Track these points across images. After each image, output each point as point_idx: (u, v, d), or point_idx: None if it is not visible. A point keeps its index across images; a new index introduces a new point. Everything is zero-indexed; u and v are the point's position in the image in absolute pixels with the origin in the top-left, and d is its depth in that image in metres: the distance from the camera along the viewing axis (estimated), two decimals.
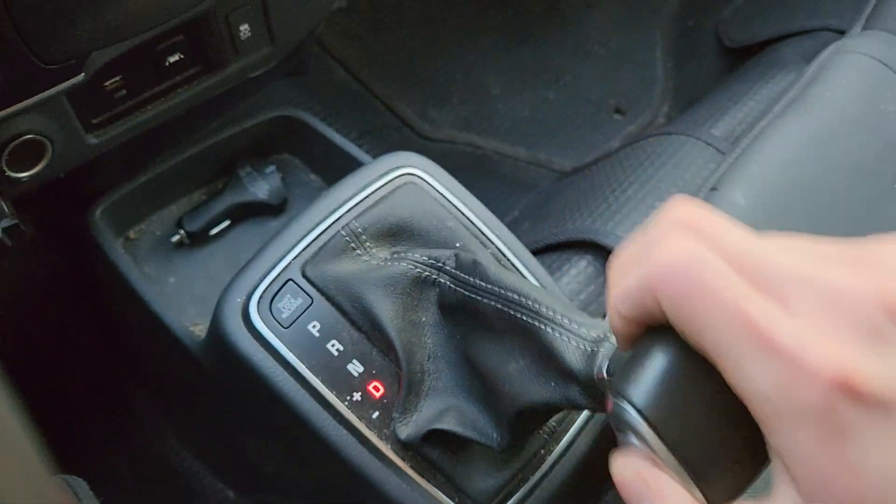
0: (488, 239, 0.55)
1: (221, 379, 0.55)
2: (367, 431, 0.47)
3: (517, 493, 0.48)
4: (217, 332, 0.50)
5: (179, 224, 0.68)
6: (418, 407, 0.47)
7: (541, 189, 1.07)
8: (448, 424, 0.45)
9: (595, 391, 0.36)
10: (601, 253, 0.69)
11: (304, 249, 0.51)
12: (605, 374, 0.34)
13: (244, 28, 0.59)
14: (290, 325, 0.49)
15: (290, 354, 0.48)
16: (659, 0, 1.33)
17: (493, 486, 0.48)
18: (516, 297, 0.41)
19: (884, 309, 0.24)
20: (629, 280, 0.28)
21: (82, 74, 0.49)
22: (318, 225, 0.52)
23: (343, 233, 0.51)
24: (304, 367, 0.48)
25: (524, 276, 0.55)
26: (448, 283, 0.47)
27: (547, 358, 0.38)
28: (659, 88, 1.25)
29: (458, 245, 0.52)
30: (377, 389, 0.48)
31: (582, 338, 0.37)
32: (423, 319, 0.49)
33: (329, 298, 0.50)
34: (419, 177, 0.56)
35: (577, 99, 1.26)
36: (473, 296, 0.44)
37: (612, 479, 0.29)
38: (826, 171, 0.61)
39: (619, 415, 0.29)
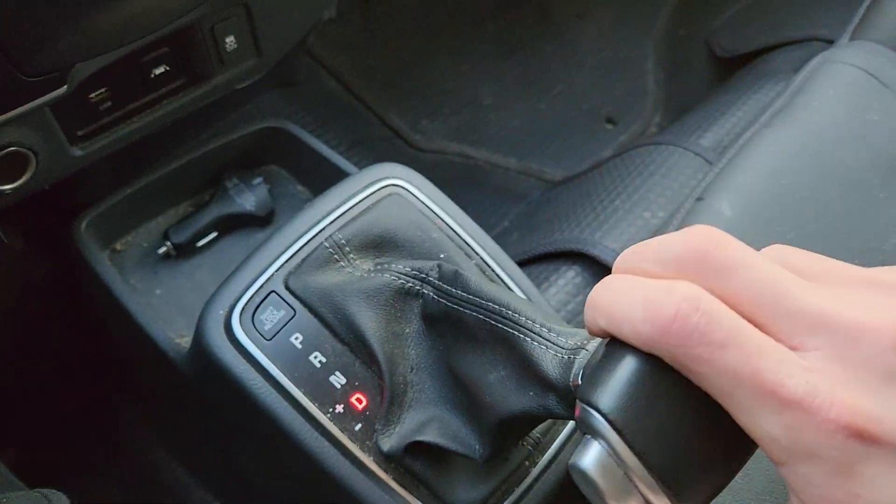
0: (473, 250, 0.55)
1: (205, 391, 0.55)
2: (350, 443, 0.47)
3: None
4: (199, 344, 0.50)
5: (166, 236, 0.67)
6: (401, 419, 0.47)
7: (531, 199, 1.07)
8: (430, 436, 0.45)
9: (572, 400, 0.36)
10: (589, 263, 0.69)
11: (287, 261, 0.51)
12: (579, 382, 0.34)
13: (230, 40, 0.59)
14: (273, 336, 0.49)
15: (273, 366, 0.48)
16: (650, 11, 1.34)
17: (476, 498, 0.47)
18: (496, 307, 0.41)
19: None
20: (626, 320, 0.27)
21: (65, 86, 0.49)
22: (301, 236, 0.52)
23: (326, 244, 0.51)
24: (286, 379, 0.48)
25: (509, 287, 0.55)
26: (431, 294, 0.47)
27: (526, 367, 0.38)
28: (650, 98, 1.25)
29: (442, 256, 0.52)
30: (360, 401, 0.48)
31: (560, 347, 0.37)
32: (407, 331, 0.48)
33: (312, 310, 0.50)
34: (403, 188, 0.55)
35: (569, 109, 1.26)
36: (455, 307, 0.44)
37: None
38: (812, 181, 0.61)
39: (585, 419, 0.28)
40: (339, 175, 0.69)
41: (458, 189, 1.10)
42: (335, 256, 0.51)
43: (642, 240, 0.30)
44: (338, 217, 0.53)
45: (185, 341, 0.62)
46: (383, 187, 0.55)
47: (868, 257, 0.59)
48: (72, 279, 0.68)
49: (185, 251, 0.68)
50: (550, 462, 0.50)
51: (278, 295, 0.50)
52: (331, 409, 0.48)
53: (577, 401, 0.30)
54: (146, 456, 0.77)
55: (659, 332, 0.26)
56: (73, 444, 0.81)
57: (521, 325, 0.39)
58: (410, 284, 0.48)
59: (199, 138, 0.72)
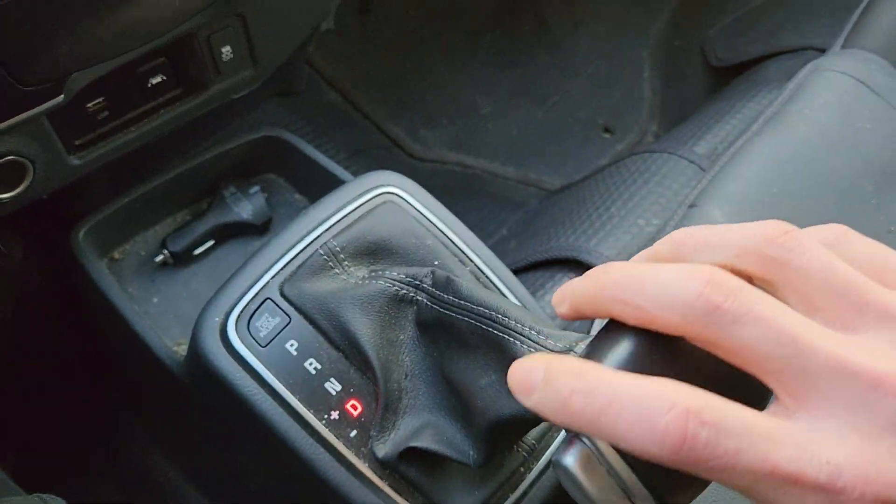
0: (467, 257, 0.55)
1: (202, 398, 0.55)
2: (345, 450, 0.47)
3: None
4: (195, 351, 0.51)
5: (163, 244, 0.68)
6: (396, 425, 0.47)
7: (529, 208, 1.08)
8: (424, 442, 0.45)
9: None
10: (584, 270, 0.70)
11: (282, 268, 0.52)
12: None
13: (226, 50, 0.60)
14: (268, 343, 0.49)
15: (268, 373, 0.48)
16: (646, 21, 1.35)
17: None
18: (487, 311, 0.41)
19: None
20: (622, 440, 0.25)
21: (62, 96, 0.50)
22: (296, 244, 0.52)
23: (321, 251, 0.52)
24: (281, 385, 0.48)
25: (503, 294, 0.55)
26: (425, 300, 0.47)
27: None
28: (647, 107, 1.26)
29: (436, 263, 0.53)
30: (355, 408, 0.48)
31: (550, 350, 0.37)
32: (401, 338, 0.49)
33: (307, 317, 0.50)
34: (398, 195, 0.56)
35: (567, 118, 1.27)
36: (448, 312, 0.44)
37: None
38: (804, 188, 0.61)
39: None
40: (336, 184, 0.69)
41: (457, 198, 1.11)
42: (330, 263, 0.51)
43: (637, 247, 0.30)
44: (333, 224, 0.53)
45: (182, 349, 0.62)
46: (378, 195, 0.56)
47: None
48: (70, 287, 0.69)
49: (183, 260, 0.68)
50: (545, 468, 0.50)
51: (273, 302, 0.50)
52: (326, 416, 0.48)
53: None
54: (144, 461, 0.78)
55: (669, 453, 0.24)
56: (72, 448, 0.81)
57: (510, 329, 0.39)
58: (405, 291, 0.49)
59: (196, 147, 0.73)
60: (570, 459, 0.28)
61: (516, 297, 0.56)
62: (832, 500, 0.23)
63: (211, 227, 0.68)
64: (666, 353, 0.27)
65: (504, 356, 0.39)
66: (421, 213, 0.56)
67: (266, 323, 0.50)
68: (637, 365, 0.28)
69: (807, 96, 0.66)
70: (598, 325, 0.62)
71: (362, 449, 0.48)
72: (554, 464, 0.29)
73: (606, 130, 1.27)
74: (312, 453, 0.47)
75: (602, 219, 0.73)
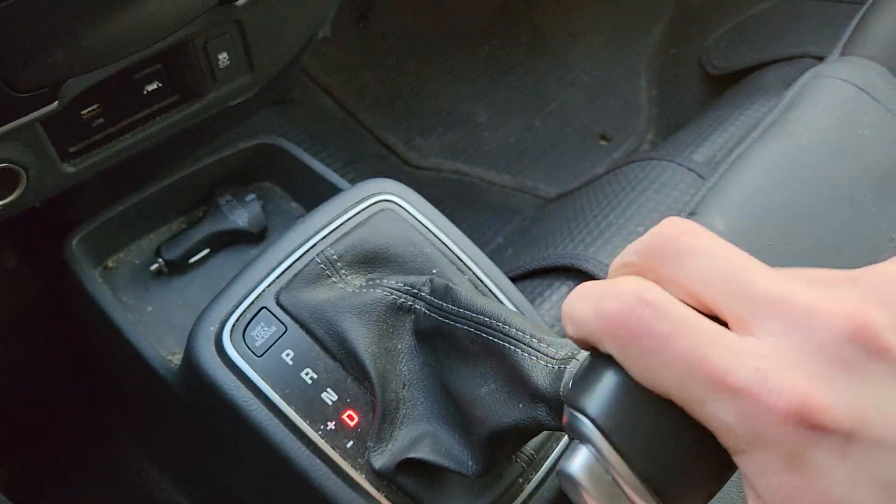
0: (465, 265, 0.54)
1: (196, 409, 0.55)
2: (342, 461, 0.47)
3: None
4: (190, 361, 0.50)
5: (158, 253, 0.67)
6: (393, 436, 0.46)
7: (526, 215, 1.07)
8: (422, 453, 0.44)
9: (562, 410, 0.35)
10: (583, 278, 0.69)
11: (278, 277, 0.51)
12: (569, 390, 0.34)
13: (223, 56, 0.59)
14: (264, 353, 0.49)
15: (263, 383, 0.48)
16: (643, 30, 1.35)
17: None
18: (487, 319, 0.40)
19: (851, 335, 0.23)
20: (584, 321, 0.28)
21: (56, 103, 0.49)
22: (292, 252, 0.52)
23: (318, 260, 0.51)
24: (277, 396, 0.47)
25: (501, 302, 0.55)
26: (423, 309, 0.46)
27: (516, 379, 0.38)
28: (644, 115, 1.26)
29: (434, 271, 0.52)
30: (351, 418, 0.48)
31: (550, 357, 0.36)
32: (399, 347, 0.48)
33: (303, 326, 0.49)
34: (395, 203, 0.55)
35: (563, 126, 1.27)
36: (447, 320, 0.43)
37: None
38: (804, 195, 0.61)
39: (573, 424, 0.28)
40: (332, 191, 0.69)
41: (453, 206, 1.11)
42: (327, 272, 0.51)
43: None
44: (329, 233, 0.53)
45: (177, 359, 0.62)
46: (375, 203, 0.55)
47: None
48: (64, 295, 0.68)
49: (178, 268, 0.68)
50: (544, 479, 0.50)
51: (269, 311, 0.50)
52: (322, 426, 0.47)
53: (565, 406, 0.30)
54: (137, 471, 0.77)
55: (605, 326, 0.26)
56: (64, 457, 0.81)
57: (511, 337, 0.39)
58: (402, 300, 0.48)
59: (192, 155, 0.72)
60: (575, 467, 0.28)
61: (514, 305, 0.55)
62: (755, 407, 0.23)
63: (206, 236, 0.68)
64: None
65: (504, 365, 0.39)
66: (419, 221, 0.55)
67: (262, 332, 0.49)
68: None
69: (807, 103, 0.66)
70: None
71: (359, 460, 0.47)
72: (558, 472, 0.28)
73: (603, 139, 1.27)
74: (308, 464, 0.47)
75: (601, 227, 0.73)
